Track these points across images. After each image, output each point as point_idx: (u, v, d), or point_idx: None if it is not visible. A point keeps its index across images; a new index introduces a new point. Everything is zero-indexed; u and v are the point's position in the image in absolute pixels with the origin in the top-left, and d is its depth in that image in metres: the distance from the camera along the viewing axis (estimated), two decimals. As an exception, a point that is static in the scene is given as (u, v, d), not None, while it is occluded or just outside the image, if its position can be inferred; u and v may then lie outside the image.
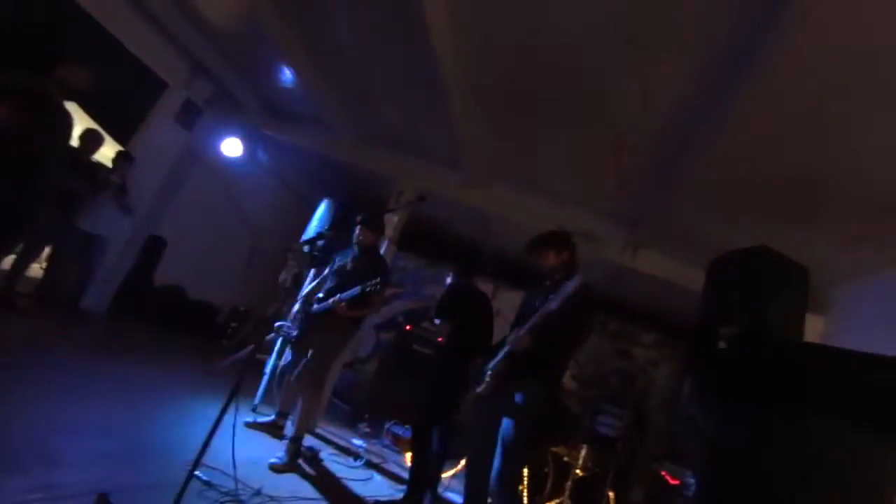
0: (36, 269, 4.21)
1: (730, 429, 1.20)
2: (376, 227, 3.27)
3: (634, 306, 6.25)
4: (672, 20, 2.25)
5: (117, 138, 5.33)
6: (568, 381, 6.14)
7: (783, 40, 2.01)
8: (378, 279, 2.87)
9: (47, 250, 4.20)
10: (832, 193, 2.89)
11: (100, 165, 4.25)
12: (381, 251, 4.21)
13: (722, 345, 1.23)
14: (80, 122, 3.62)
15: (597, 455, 3.84)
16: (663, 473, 3.73)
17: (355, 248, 3.20)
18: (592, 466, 3.77)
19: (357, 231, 3.17)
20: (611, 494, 3.72)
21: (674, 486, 3.61)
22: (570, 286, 2.15)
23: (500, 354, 2.39)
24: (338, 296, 2.93)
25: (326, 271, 3.28)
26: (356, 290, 2.86)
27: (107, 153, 4.59)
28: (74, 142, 3.61)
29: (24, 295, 3.89)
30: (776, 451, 1.08)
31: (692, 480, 3.45)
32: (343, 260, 3.22)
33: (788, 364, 1.12)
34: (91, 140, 4.07)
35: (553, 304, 2.17)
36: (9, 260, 3.66)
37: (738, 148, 2.81)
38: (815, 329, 3.55)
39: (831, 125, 2.42)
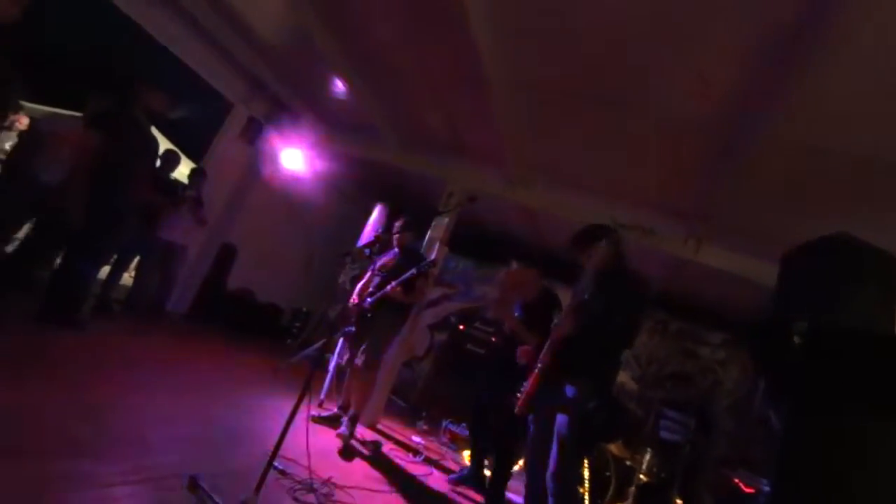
0: (126, 278, 4.68)
1: (804, 430, 1.12)
2: (412, 229, 3.55)
3: (699, 303, 5.91)
4: (732, 4, 2.13)
5: (190, 156, 5.81)
6: (629, 382, 5.92)
7: (854, 18, 1.85)
8: (428, 260, 3.23)
9: (135, 260, 4.66)
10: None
11: (178, 182, 4.66)
12: (433, 253, 4.31)
13: (796, 340, 1.15)
14: (160, 143, 3.99)
15: (662, 460, 3.69)
16: (736, 481, 3.50)
17: (396, 248, 3.50)
18: (657, 472, 3.63)
19: (396, 235, 3.46)
20: (678, 502, 3.55)
21: (748, 494, 3.38)
22: (616, 283, 2.10)
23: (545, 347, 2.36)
24: (393, 283, 3.18)
25: (370, 272, 3.45)
26: (412, 271, 3.15)
27: (182, 170, 5.02)
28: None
29: (117, 301, 4.34)
30: (855, 454, 0.99)
31: (768, 488, 3.22)
32: (386, 258, 3.48)
33: (872, 360, 1.03)
34: (170, 160, 4.47)
35: (587, 293, 2.14)
36: (105, 270, 4.10)
37: (806, 131, 2.60)
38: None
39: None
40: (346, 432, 3.04)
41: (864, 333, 1.13)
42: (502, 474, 3.12)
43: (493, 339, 3.43)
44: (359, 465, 2.83)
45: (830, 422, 1.11)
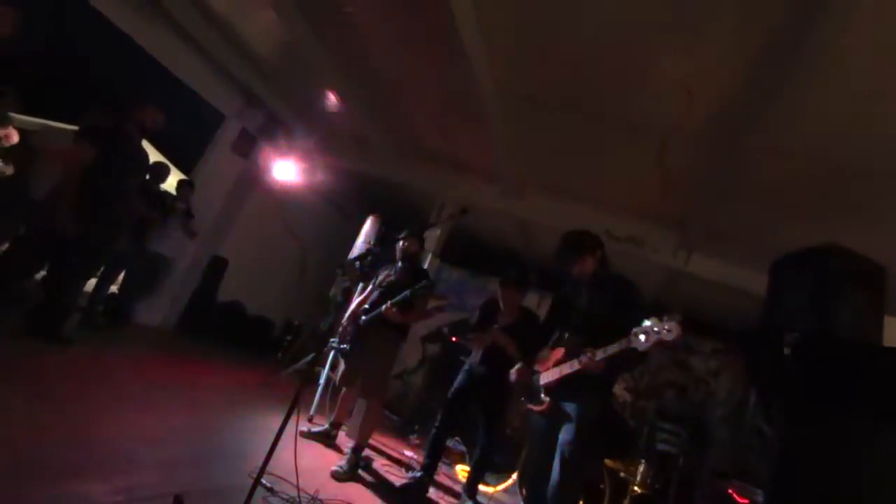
0: (113, 290, 4.60)
1: (798, 440, 1.12)
2: (420, 238, 3.43)
3: (691, 313, 5.91)
4: (715, 14, 2.18)
5: (181, 168, 5.78)
6: (622, 392, 5.90)
7: (836, 25, 1.90)
8: (425, 282, 3.03)
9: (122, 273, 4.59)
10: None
11: (167, 194, 4.62)
12: (425, 265, 4.29)
13: (787, 351, 1.15)
14: (150, 155, 3.97)
15: (656, 471, 3.66)
16: (730, 491, 3.48)
17: (399, 260, 3.33)
18: (651, 483, 3.60)
19: (402, 243, 3.30)
20: (673, 513, 3.52)
21: (742, 504, 3.37)
22: (670, 336, 1.94)
23: (561, 372, 2.32)
24: (388, 303, 3.04)
25: (371, 285, 3.39)
26: (406, 293, 2.99)
27: (172, 182, 4.99)
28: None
29: (103, 313, 4.26)
30: (849, 464, 0.99)
31: (761, 499, 3.20)
32: (386, 273, 3.35)
33: (861, 369, 1.03)
34: (160, 171, 4.44)
35: (641, 346, 2.00)
36: (91, 282, 4.03)
37: (795, 141, 2.66)
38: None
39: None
40: (347, 469, 2.78)
41: (852, 343, 1.14)
42: (482, 474, 3.31)
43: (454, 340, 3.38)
44: (349, 482, 2.78)
45: (822, 429, 1.11)
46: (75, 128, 3.04)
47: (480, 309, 3.51)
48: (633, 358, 2.12)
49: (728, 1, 2.10)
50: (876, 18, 1.87)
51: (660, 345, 1.96)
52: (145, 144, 3.55)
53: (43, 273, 3.12)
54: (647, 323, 2.00)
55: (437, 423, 3.22)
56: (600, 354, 2.14)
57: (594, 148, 3.64)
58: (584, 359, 2.21)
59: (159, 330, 4.99)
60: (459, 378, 3.34)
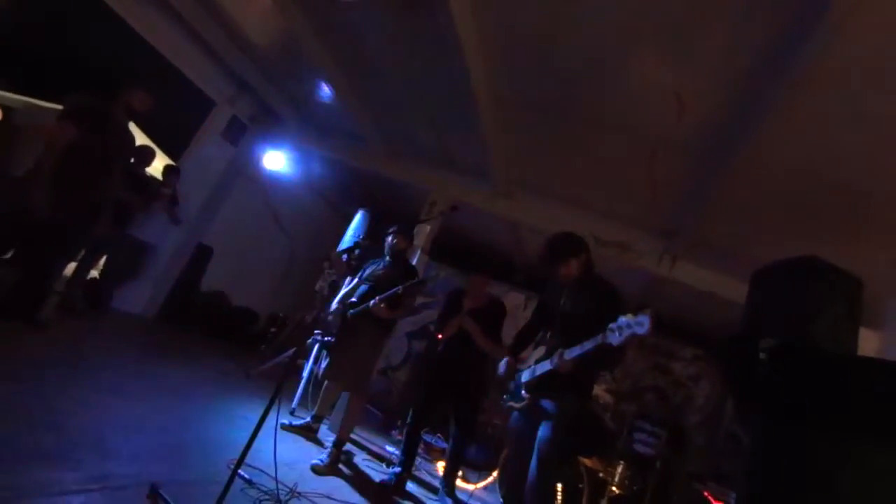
0: (93, 275, 4.51)
1: (769, 446, 1.14)
2: (409, 235, 3.44)
3: (673, 319, 6.03)
4: (706, 28, 2.21)
5: (169, 153, 5.67)
6: (603, 395, 5.97)
7: (821, 46, 1.94)
8: (417, 279, 3.05)
9: (103, 258, 4.49)
10: (887, 202, 2.73)
11: (153, 178, 4.53)
12: (413, 261, 4.29)
13: (762, 357, 1.17)
14: (136, 139, 3.89)
15: (634, 473, 3.72)
16: (706, 494, 3.55)
17: (387, 255, 3.32)
18: (629, 484, 3.65)
19: (391, 239, 3.29)
20: (649, 514, 3.58)
21: (717, 507, 3.44)
22: (641, 329, 1.93)
23: (540, 371, 2.35)
24: (376, 297, 3.02)
25: (357, 278, 3.38)
26: (397, 288, 2.96)
27: (158, 167, 4.90)
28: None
29: (82, 298, 4.17)
30: (817, 472, 1.01)
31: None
32: (374, 267, 3.33)
33: (833, 378, 1.06)
34: (144, 155, 4.35)
35: (615, 340, 2.00)
36: (70, 267, 3.94)
37: (779, 157, 2.71)
38: (870, 345, 3.34)
39: (882, 130, 2.31)
40: (327, 462, 2.78)
41: (828, 352, 1.16)
42: (457, 466, 3.33)
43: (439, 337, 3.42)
44: (329, 476, 2.77)
45: (793, 437, 1.13)
46: (60, 107, 2.96)
47: (445, 298, 3.54)
48: (608, 354, 2.14)
49: (719, 16, 2.13)
50: (861, 42, 1.91)
51: (633, 339, 1.98)
52: (132, 127, 3.48)
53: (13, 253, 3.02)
54: (621, 319, 2.02)
55: (409, 420, 3.24)
56: (576, 351, 2.16)
57: (585, 153, 3.67)
58: (555, 359, 2.25)
59: (140, 317, 4.90)
60: (426, 372, 3.39)
